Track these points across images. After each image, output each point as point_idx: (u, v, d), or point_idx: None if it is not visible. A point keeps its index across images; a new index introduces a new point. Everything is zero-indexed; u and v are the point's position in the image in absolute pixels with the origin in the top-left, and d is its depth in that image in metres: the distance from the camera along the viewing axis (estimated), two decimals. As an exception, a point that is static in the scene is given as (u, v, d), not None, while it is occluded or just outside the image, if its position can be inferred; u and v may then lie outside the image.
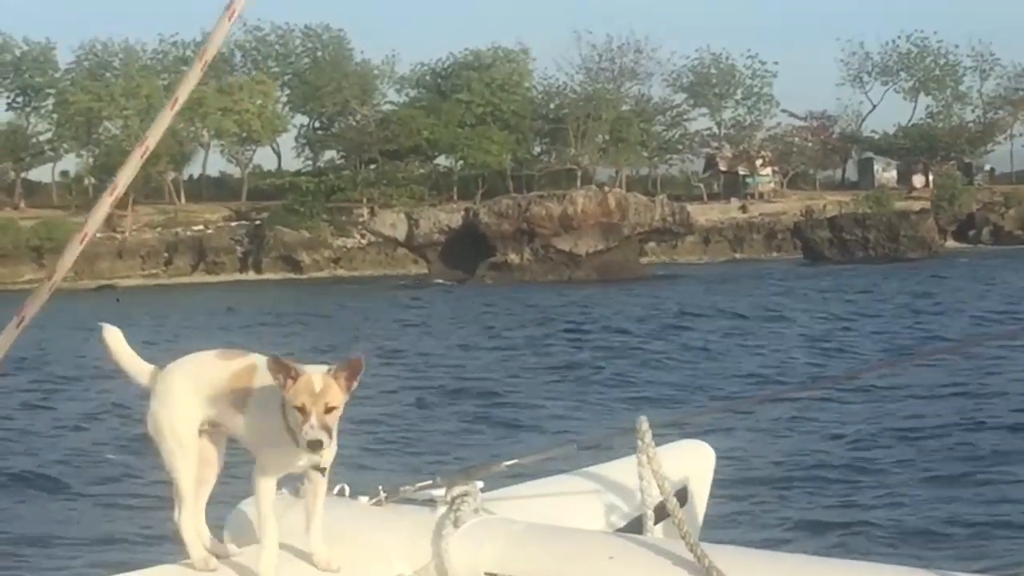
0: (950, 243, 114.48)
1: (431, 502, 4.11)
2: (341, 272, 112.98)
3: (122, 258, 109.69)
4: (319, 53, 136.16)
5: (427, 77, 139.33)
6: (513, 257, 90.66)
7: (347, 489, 4.23)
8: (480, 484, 4.14)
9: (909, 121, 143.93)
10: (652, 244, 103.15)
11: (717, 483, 4.60)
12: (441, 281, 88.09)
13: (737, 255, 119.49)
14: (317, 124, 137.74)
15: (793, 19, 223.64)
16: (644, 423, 4.05)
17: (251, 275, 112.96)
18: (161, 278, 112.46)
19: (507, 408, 25.09)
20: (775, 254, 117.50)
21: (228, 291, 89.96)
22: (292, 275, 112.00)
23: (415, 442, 21.00)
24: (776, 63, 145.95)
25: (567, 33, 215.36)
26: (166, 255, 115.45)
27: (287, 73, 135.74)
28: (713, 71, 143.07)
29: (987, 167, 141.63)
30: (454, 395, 26.93)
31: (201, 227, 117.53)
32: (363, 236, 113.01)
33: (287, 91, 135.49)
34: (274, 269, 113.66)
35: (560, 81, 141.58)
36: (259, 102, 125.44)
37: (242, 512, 4.29)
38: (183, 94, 3.68)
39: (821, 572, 3.72)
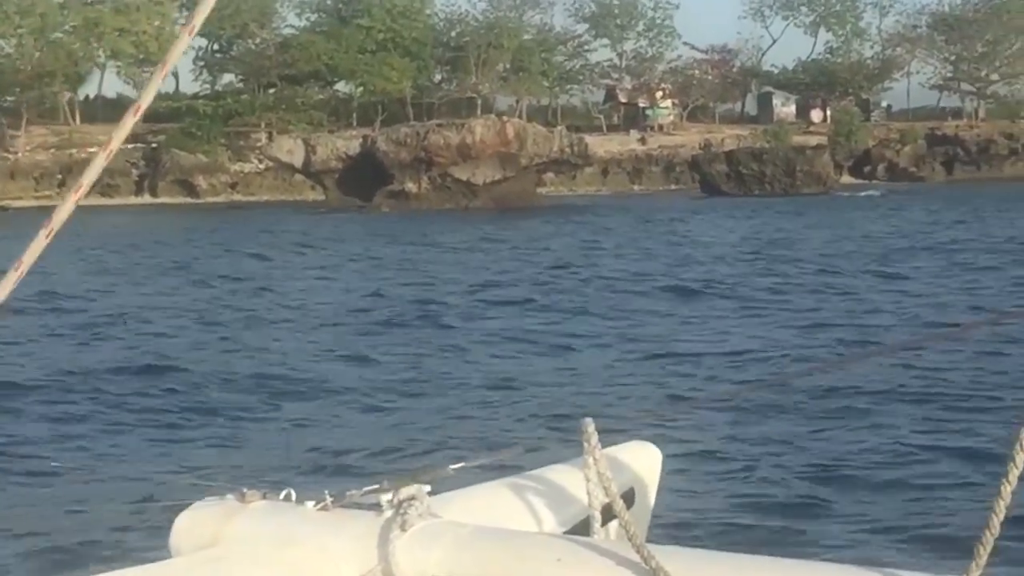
0: (846, 178, 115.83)
1: (378, 506, 4.03)
2: (238, 197, 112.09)
3: (14, 179, 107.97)
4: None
5: (327, 2, 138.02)
6: (410, 186, 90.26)
7: (293, 494, 4.13)
8: (427, 488, 4.07)
9: (809, 56, 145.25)
10: (550, 175, 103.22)
11: (664, 484, 4.55)
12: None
13: (635, 187, 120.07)
14: (216, 47, 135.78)
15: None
16: (590, 425, 4.00)
17: (147, 198, 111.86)
18: (54, 200, 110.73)
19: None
20: (673, 187, 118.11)
21: (117, 215, 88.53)
22: (188, 199, 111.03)
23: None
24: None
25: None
26: (59, 176, 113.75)
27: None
28: (615, 2, 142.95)
29: (884, 104, 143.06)
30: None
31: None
32: (261, 161, 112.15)
33: (185, 12, 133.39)
34: (170, 193, 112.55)
35: (462, 9, 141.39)
36: (157, 23, 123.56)
37: (192, 515, 4.17)
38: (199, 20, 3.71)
39: (769, 571, 3.68)
